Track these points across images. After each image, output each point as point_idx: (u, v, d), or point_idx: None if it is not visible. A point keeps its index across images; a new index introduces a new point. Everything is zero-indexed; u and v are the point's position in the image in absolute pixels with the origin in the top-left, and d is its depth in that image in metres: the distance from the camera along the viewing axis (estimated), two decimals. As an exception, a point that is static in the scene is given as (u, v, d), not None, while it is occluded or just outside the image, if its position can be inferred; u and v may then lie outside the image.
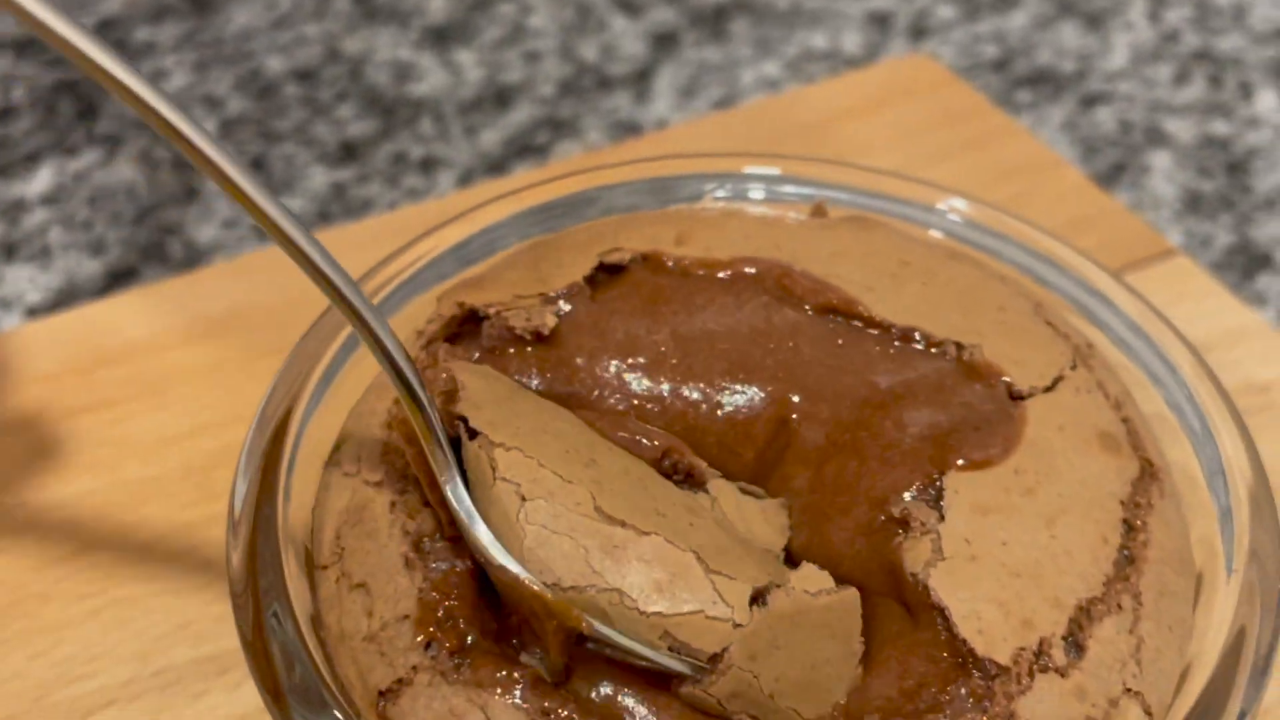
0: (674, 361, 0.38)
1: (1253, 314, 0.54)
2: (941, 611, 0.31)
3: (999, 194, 0.58)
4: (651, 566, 0.32)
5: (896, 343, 0.38)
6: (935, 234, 0.45)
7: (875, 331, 0.38)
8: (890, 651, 0.32)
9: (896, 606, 0.33)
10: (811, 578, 0.33)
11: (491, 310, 0.38)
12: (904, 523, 0.33)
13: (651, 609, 0.31)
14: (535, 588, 0.31)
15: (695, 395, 0.37)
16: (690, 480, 0.36)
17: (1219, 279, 0.58)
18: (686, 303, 0.39)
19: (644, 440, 0.36)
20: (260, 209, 0.29)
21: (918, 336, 0.38)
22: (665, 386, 0.37)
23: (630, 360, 0.38)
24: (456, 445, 0.33)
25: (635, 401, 0.37)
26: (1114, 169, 0.66)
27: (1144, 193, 0.64)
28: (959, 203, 0.45)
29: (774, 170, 0.46)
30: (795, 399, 0.37)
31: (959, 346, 0.38)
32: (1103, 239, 0.57)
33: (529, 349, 0.37)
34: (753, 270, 0.39)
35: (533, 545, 0.32)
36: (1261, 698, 0.32)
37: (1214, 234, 0.62)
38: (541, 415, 0.35)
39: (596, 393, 0.37)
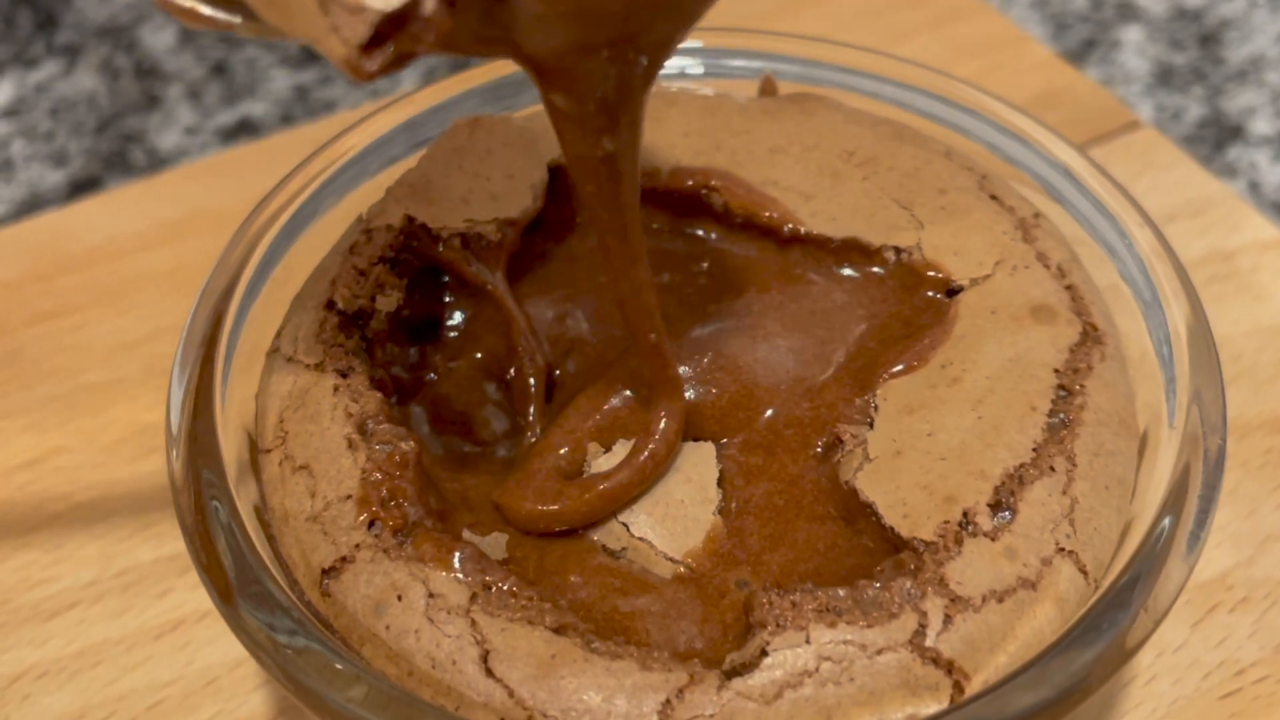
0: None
1: (1218, 183, 0.54)
2: (870, 507, 0.32)
3: (962, 71, 0.57)
4: None
5: (831, 260, 0.39)
6: (890, 108, 0.44)
7: (813, 247, 0.39)
8: (832, 547, 0.33)
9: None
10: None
11: (444, 233, 0.38)
12: (838, 443, 0.35)
13: None
14: None
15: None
16: None
17: (1190, 152, 0.57)
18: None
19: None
20: None
21: (856, 248, 0.39)
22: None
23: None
24: None
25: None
26: (1084, 45, 0.65)
27: (1115, 68, 0.63)
28: (919, 74, 0.44)
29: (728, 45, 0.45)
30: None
31: (897, 251, 0.38)
32: (1068, 114, 0.56)
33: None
34: (690, 182, 0.40)
35: None
36: (1199, 552, 0.32)
37: (1185, 107, 0.61)
38: None
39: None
